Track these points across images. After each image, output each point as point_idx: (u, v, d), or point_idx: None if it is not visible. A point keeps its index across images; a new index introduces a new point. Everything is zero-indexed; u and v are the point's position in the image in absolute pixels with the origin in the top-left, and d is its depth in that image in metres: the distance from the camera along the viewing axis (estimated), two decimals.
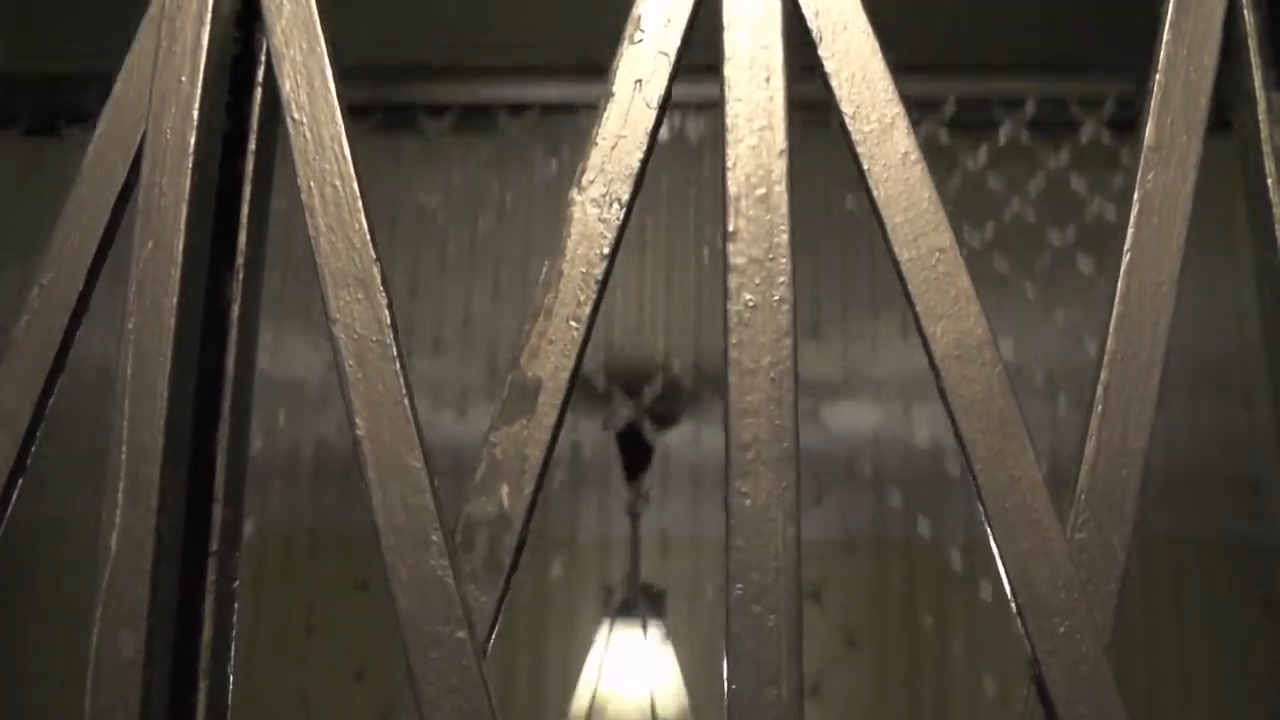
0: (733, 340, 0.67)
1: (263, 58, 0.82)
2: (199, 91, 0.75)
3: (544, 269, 0.73)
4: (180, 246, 0.73)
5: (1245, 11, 0.77)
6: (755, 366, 0.66)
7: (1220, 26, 0.74)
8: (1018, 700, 0.68)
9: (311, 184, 0.75)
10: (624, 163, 0.73)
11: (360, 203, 0.74)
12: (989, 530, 0.69)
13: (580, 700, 2.84)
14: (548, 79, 2.34)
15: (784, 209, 0.68)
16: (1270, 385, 0.78)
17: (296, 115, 0.76)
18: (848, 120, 0.72)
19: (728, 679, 0.64)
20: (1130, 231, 0.73)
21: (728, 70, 0.71)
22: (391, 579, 0.69)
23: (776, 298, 0.67)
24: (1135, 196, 0.73)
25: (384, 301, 0.73)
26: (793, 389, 0.66)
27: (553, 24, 2.10)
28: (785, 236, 0.68)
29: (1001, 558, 0.68)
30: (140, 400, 0.71)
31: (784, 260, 0.67)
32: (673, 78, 0.75)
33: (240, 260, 0.78)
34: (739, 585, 0.64)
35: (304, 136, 0.76)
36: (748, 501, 0.65)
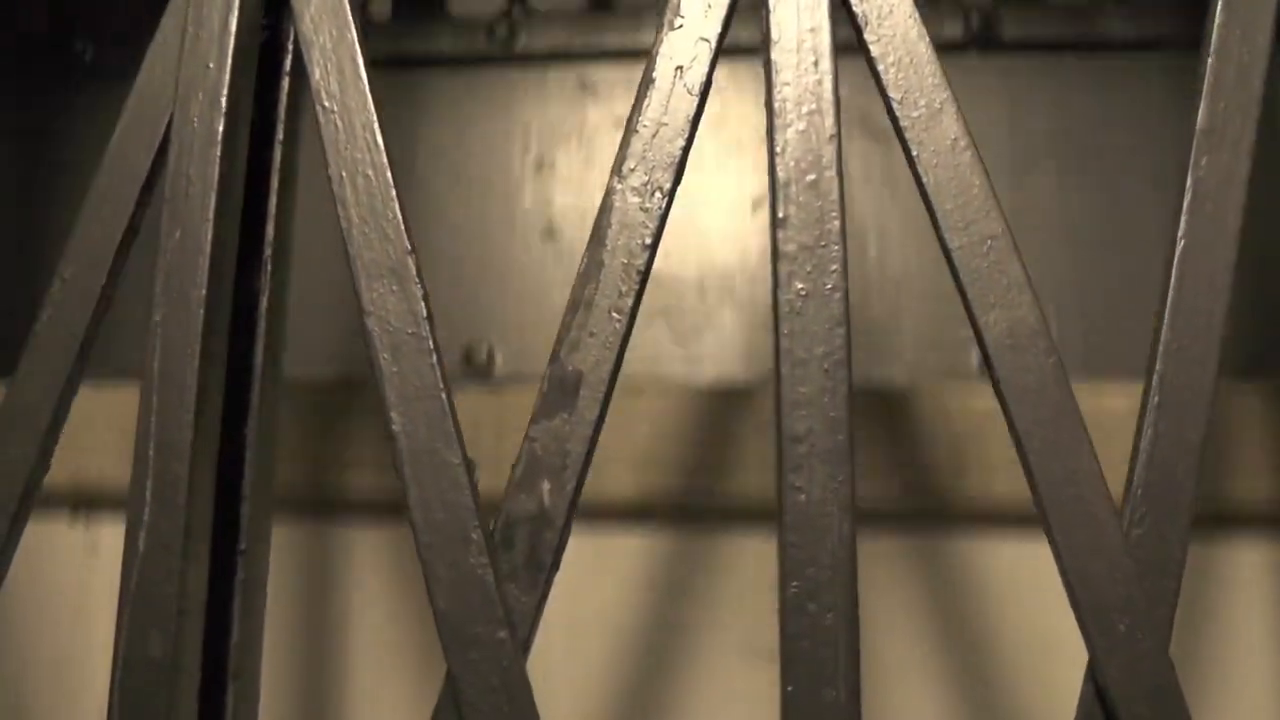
0: (784, 330, 0.65)
1: (290, 45, 0.80)
2: (227, 77, 0.73)
3: (583, 260, 0.71)
4: (208, 236, 0.71)
5: None
6: (808, 356, 0.64)
7: (1275, 6, 0.72)
8: None
9: (343, 174, 0.73)
10: (665, 150, 0.72)
11: (394, 192, 0.72)
12: (1045, 524, 0.67)
13: None
14: None
15: (835, 195, 0.66)
16: None
17: (327, 103, 0.74)
18: (895, 105, 0.71)
19: (783, 680, 0.61)
20: (1184, 219, 0.71)
21: (774, 54, 0.70)
22: (429, 578, 0.67)
23: (829, 286, 0.65)
24: (1188, 182, 0.71)
25: (419, 293, 0.71)
26: (846, 379, 0.64)
27: None
28: (837, 223, 0.66)
29: (1058, 552, 0.67)
30: (168, 394, 0.68)
31: (836, 247, 0.65)
32: (714, 64, 0.73)
33: (268, 251, 0.76)
34: (794, 583, 0.62)
35: (335, 125, 0.74)
36: (801, 496, 0.63)
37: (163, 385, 0.68)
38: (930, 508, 0.99)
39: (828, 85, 0.68)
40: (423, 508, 0.67)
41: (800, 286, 0.65)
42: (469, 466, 0.69)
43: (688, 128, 0.72)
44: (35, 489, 0.72)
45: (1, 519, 0.70)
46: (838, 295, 0.65)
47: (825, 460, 0.63)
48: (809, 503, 0.62)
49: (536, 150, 1.50)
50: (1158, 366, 0.70)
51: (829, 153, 0.67)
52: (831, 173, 0.66)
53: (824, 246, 0.65)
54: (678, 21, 0.74)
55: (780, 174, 0.67)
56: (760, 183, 1.39)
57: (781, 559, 0.62)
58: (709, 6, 0.74)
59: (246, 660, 0.74)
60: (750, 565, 1.01)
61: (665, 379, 1.35)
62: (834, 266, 0.65)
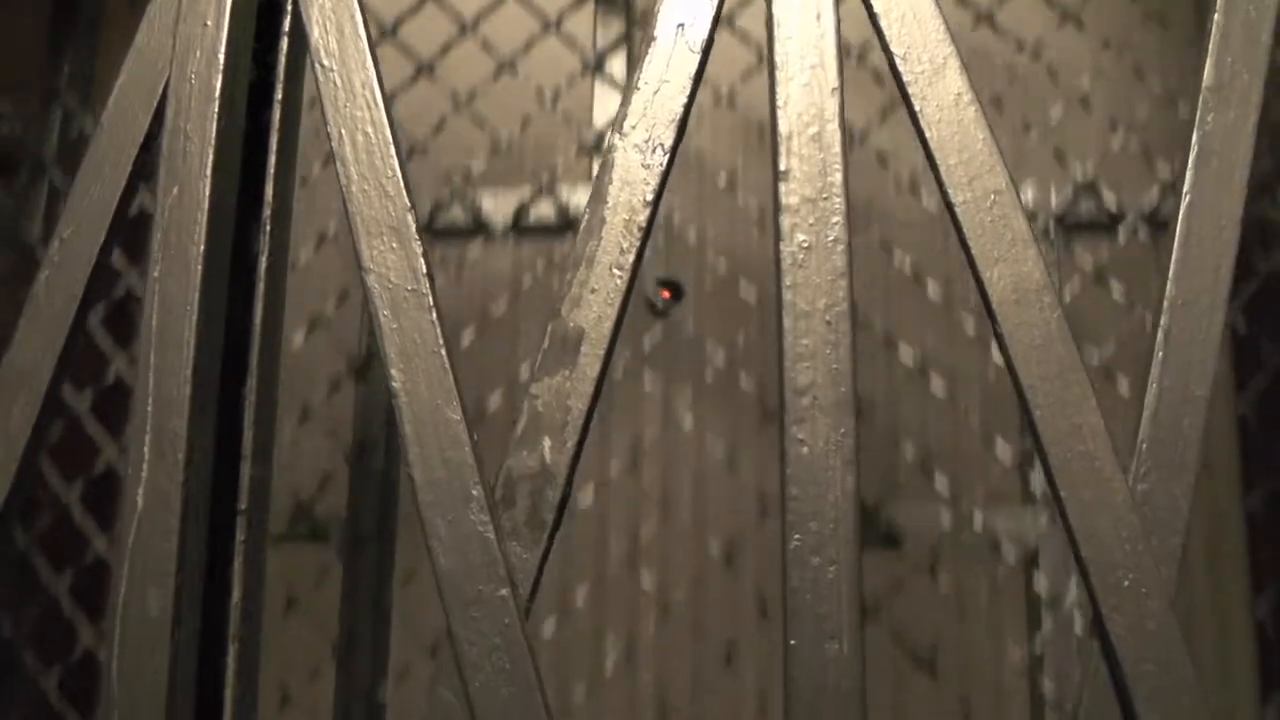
0: (786, 282, 0.64)
1: (290, 6, 0.79)
2: (224, 34, 0.73)
3: (585, 216, 0.70)
4: (206, 193, 0.70)
5: None
6: (810, 309, 0.64)
7: None
8: None
9: (342, 131, 0.72)
10: (667, 108, 0.71)
11: (393, 149, 0.72)
12: (1050, 479, 0.66)
13: None
14: None
15: (837, 147, 0.66)
16: None
17: (326, 61, 0.74)
18: (898, 61, 0.70)
19: (786, 634, 0.61)
20: (1189, 174, 0.71)
21: (776, 8, 0.69)
22: (430, 536, 0.66)
23: (831, 238, 0.65)
24: (1194, 138, 0.71)
25: (419, 250, 0.70)
26: (850, 332, 0.63)
27: None
28: (839, 175, 0.65)
29: (1063, 508, 0.66)
30: (167, 350, 0.68)
31: (838, 199, 0.65)
32: (716, 21, 0.73)
33: (268, 212, 0.76)
34: (797, 536, 0.61)
35: (334, 83, 0.73)
36: (804, 449, 0.62)
37: (160, 341, 0.68)
38: None
39: (830, 39, 0.68)
40: (423, 465, 0.67)
41: (802, 239, 0.65)
42: (470, 423, 0.68)
43: (690, 85, 0.71)
44: (38, 447, 0.72)
45: (4, 476, 0.70)
46: (840, 247, 0.64)
47: (828, 413, 0.62)
48: (812, 455, 0.62)
49: None
50: (1163, 321, 0.69)
51: (831, 105, 0.66)
52: (834, 125, 0.66)
53: (826, 199, 0.65)
54: None
55: (782, 127, 0.66)
56: None
57: (783, 512, 0.62)
58: None
59: (247, 622, 0.73)
60: None
61: None
62: (836, 219, 0.64)
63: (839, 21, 0.69)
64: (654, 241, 1.30)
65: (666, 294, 1.41)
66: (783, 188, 0.65)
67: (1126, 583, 0.65)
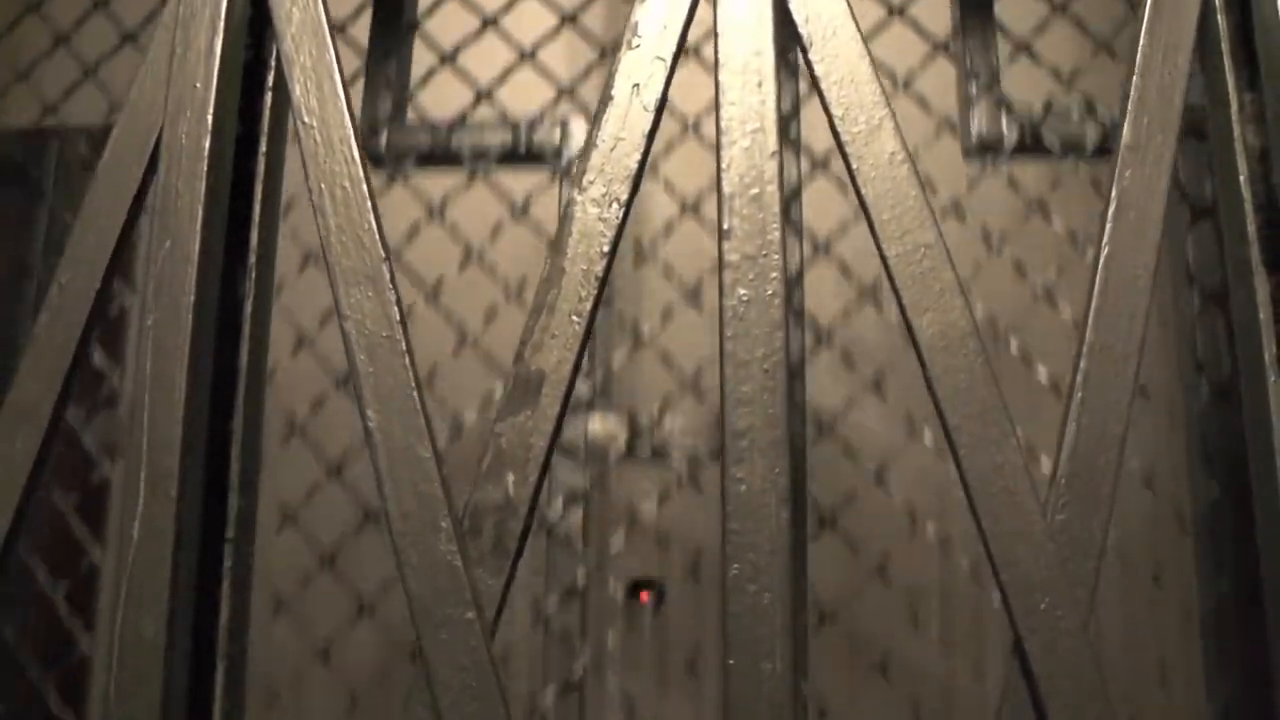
0: (728, 333, 0.70)
1: (273, 63, 0.85)
2: (213, 96, 0.78)
3: (545, 266, 0.76)
4: (196, 246, 0.76)
5: (1218, 15, 0.80)
6: (749, 358, 0.69)
7: (1194, 30, 0.77)
8: None
9: (322, 185, 0.78)
10: (623, 164, 0.77)
11: (369, 203, 0.77)
12: (973, 513, 0.72)
13: None
14: None
15: (776, 207, 0.71)
16: (1246, 383, 0.81)
17: (307, 119, 0.79)
18: (837, 121, 0.75)
19: (725, 655, 0.67)
20: (1108, 227, 0.76)
21: (722, 76, 0.74)
22: (403, 563, 0.72)
23: (769, 292, 0.70)
24: (1113, 193, 0.76)
25: (393, 298, 0.76)
26: (785, 379, 0.69)
27: None
28: (777, 234, 0.71)
29: (986, 538, 0.72)
30: (160, 393, 0.74)
31: (776, 256, 0.70)
32: (669, 81, 0.78)
33: (252, 258, 0.81)
34: (735, 566, 0.67)
35: (314, 140, 0.79)
36: (742, 487, 0.68)
37: (154, 386, 0.74)
38: None
39: (770, 105, 0.73)
40: (396, 497, 0.73)
41: (743, 293, 0.70)
42: (439, 460, 0.74)
43: (644, 142, 0.77)
44: (38, 482, 0.77)
45: (5, 511, 0.75)
46: (778, 301, 0.70)
47: (765, 454, 0.68)
48: (749, 493, 0.68)
49: None
50: (1081, 365, 0.75)
51: (770, 168, 0.72)
52: (773, 187, 0.71)
53: (765, 256, 0.70)
54: (635, 41, 0.78)
55: (725, 188, 0.72)
56: None
57: (724, 544, 0.67)
58: (664, 27, 0.78)
59: (235, 642, 0.79)
60: None
61: None
62: (774, 274, 0.70)
63: (780, 88, 0.74)
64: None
65: (645, 597, 1.38)
66: (725, 245, 0.71)
67: (1043, 605, 0.71)
